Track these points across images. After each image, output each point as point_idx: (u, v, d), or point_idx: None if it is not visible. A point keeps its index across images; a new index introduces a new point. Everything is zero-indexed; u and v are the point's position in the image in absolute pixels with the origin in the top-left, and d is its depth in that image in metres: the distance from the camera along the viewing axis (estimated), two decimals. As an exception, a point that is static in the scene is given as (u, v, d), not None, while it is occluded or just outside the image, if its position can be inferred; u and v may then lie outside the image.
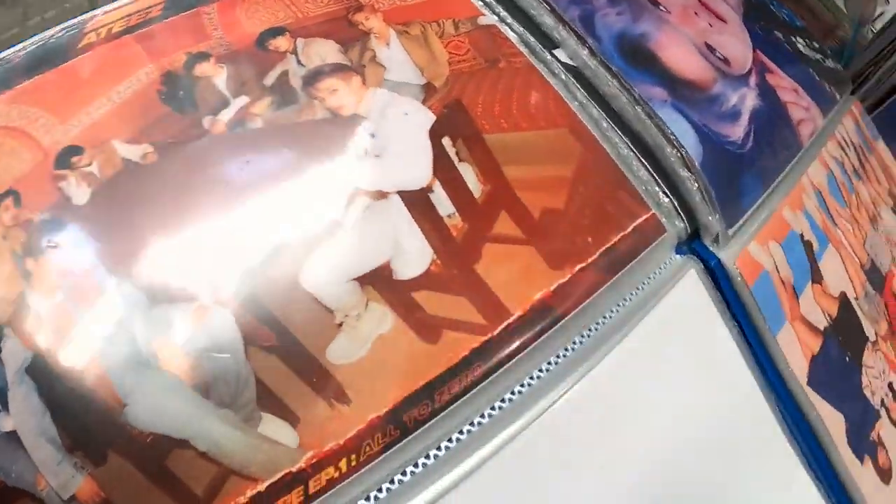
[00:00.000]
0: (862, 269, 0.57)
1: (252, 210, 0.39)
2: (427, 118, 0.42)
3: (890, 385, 0.53)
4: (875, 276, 0.58)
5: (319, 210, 0.39)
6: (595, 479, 0.36)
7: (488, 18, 0.48)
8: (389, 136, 0.41)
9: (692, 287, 0.42)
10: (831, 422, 0.46)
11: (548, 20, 0.49)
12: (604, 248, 0.38)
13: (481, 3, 0.50)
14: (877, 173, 0.67)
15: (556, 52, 0.49)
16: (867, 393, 0.50)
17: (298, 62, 0.46)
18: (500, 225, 0.38)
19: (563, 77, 0.47)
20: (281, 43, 0.47)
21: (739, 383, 0.43)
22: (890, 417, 0.51)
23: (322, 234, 0.38)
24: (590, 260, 0.38)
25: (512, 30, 0.49)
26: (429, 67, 0.45)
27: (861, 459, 0.47)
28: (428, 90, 0.43)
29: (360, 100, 0.44)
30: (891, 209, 0.65)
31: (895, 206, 0.66)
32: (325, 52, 0.47)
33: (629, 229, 0.40)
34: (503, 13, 0.49)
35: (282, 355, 0.35)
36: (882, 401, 0.51)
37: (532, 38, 0.48)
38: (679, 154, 0.45)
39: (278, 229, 0.38)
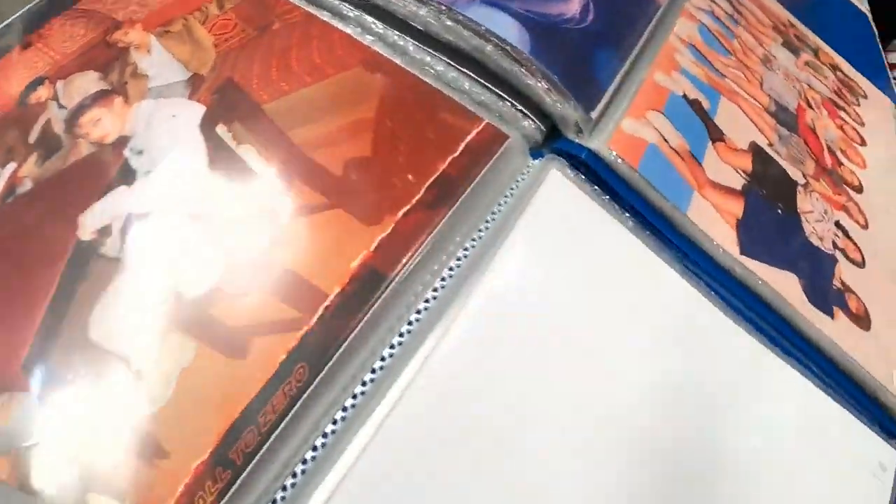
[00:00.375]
0: (767, 112, 0.47)
1: (32, 276, 0.30)
2: (196, 112, 0.32)
3: (837, 224, 0.43)
4: (785, 115, 0.49)
5: (93, 253, 0.30)
6: (504, 446, 0.27)
7: None
8: (158, 146, 0.32)
9: (561, 190, 0.31)
10: (782, 285, 0.37)
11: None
12: (431, 179, 0.28)
13: None
14: (756, 14, 0.57)
15: None
16: (814, 241, 0.40)
17: (60, 106, 0.38)
18: (297, 198, 0.28)
19: (354, 15, 0.38)
20: (41, 93, 0.38)
21: (658, 279, 0.33)
22: (848, 258, 0.41)
23: (99, 277, 0.29)
24: (415, 199, 0.27)
25: None
26: (193, 58, 0.35)
27: (830, 314, 0.37)
28: (195, 82, 0.34)
29: (124, 120, 0.35)
30: (781, 45, 0.55)
31: (785, 42, 0.56)
32: (84, 85, 0.38)
33: (459, 150, 0.30)
34: None
35: (90, 424, 0.27)
36: (834, 243, 0.41)
37: None
38: (502, 49, 0.35)
39: (61, 289, 0.30)
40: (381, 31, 0.35)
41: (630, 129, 0.36)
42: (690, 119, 0.39)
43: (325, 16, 0.36)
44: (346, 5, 0.37)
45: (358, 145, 0.29)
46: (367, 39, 0.35)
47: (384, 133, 0.29)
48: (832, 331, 0.35)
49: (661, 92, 0.39)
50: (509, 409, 0.27)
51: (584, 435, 0.28)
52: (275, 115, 0.30)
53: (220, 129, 0.31)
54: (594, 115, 0.35)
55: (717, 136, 0.40)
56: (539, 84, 0.34)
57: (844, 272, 0.39)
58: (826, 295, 0.36)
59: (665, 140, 0.36)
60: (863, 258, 0.40)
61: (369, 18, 0.36)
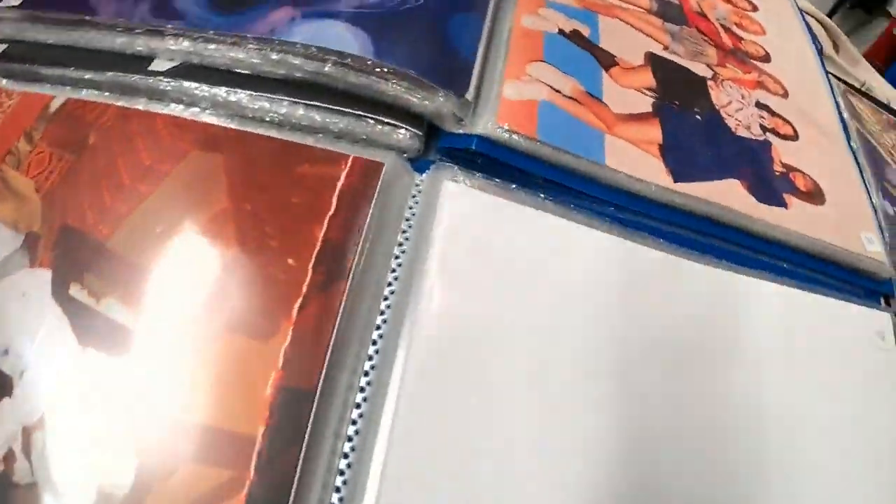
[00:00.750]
0: (651, 13, 0.41)
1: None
2: (43, 281, 0.24)
3: (758, 104, 0.37)
4: (669, 10, 0.42)
5: (8, 485, 0.22)
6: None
7: (58, 98, 0.31)
8: (21, 338, 0.23)
9: (462, 202, 0.24)
10: (727, 196, 0.31)
11: (120, 40, 0.33)
12: (314, 255, 0.22)
13: (49, 87, 0.30)
14: None
15: (152, 66, 0.32)
16: (742, 133, 0.35)
17: None
18: (179, 338, 0.21)
19: (172, 87, 0.30)
20: None
21: (600, 250, 0.28)
22: (780, 135, 0.36)
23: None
24: (305, 287, 0.21)
25: (86, 84, 0.30)
26: (20, 216, 0.26)
27: (782, 204, 0.33)
28: (30, 244, 0.25)
29: (-24, 318, 0.28)
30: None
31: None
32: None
33: (334, 205, 0.24)
34: (70, 73, 0.32)
35: None
36: (762, 126, 0.36)
37: (115, 75, 0.31)
38: (343, 64, 0.29)
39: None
40: (206, 93, 0.28)
41: (514, 93, 0.30)
42: (575, 55, 0.33)
43: (140, 102, 0.28)
44: (163, 79, 0.30)
45: (222, 246, 0.23)
46: (194, 112, 0.27)
47: (245, 219, 0.23)
48: (790, 221, 0.31)
49: (534, 37, 0.33)
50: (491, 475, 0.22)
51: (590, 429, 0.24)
52: (123, 249, 0.24)
53: (74, 291, 0.24)
54: (469, 96, 0.29)
55: (608, 61, 0.34)
56: (397, 86, 0.27)
57: (782, 152, 0.34)
58: (772, 186, 0.32)
59: (556, 91, 0.31)
60: (794, 130, 0.35)
61: (191, 84, 0.29)
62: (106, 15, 0.30)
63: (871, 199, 0.33)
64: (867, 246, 0.31)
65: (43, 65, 0.31)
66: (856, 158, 0.35)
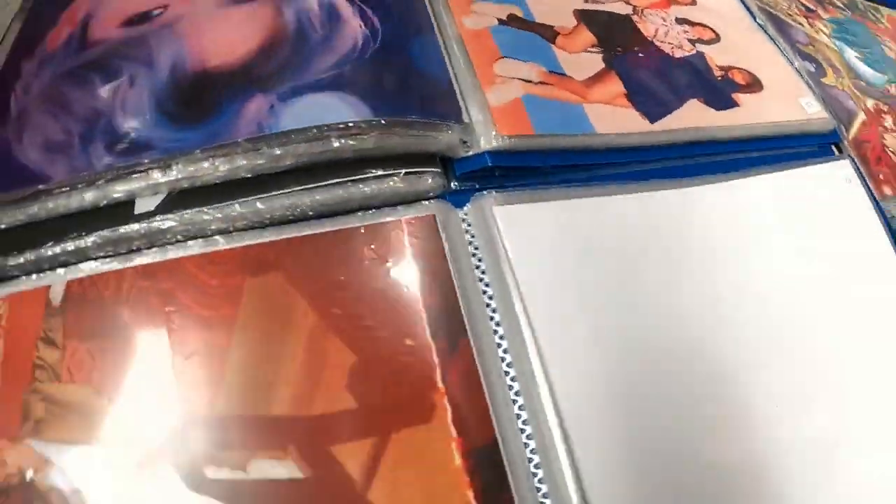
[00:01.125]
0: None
1: None
2: (170, 482, 0.22)
3: (678, 20, 0.41)
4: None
5: None
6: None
7: (56, 286, 0.25)
8: None
9: (516, 218, 0.25)
10: (692, 118, 0.33)
11: (89, 195, 0.28)
12: (427, 328, 0.22)
13: (34, 278, 0.26)
14: None
15: (138, 209, 0.28)
16: (678, 53, 0.38)
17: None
18: (341, 467, 0.22)
19: (175, 222, 0.27)
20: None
21: (625, 210, 0.29)
22: (706, 41, 0.40)
23: None
24: (436, 357, 0.21)
25: (75, 257, 0.26)
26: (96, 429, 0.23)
27: (733, 104, 0.35)
28: None
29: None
30: None
31: None
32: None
33: (417, 273, 0.25)
34: (47, 253, 0.26)
35: None
36: (689, 40, 0.40)
37: (100, 235, 0.26)
38: (348, 132, 0.27)
39: None
40: (217, 214, 0.26)
41: (497, 99, 0.30)
42: (523, 39, 0.34)
43: (151, 254, 0.26)
44: (157, 217, 0.27)
45: (337, 359, 0.22)
46: (214, 241, 0.25)
47: (343, 325, 0.23)
48: (745, 116, 0.34)
49: (483, 36, 0.33)
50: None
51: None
52: (238, 409, 0.22)
53: (213, 472, 0.21)
54: (465, 118, 0.29)
55: (550, 34, 0.35)
56: (408, 135, 0.27)
57: (714, 57, 0.37)
58: (720, 92, 0.35)
59: (528, 81, 0.31)
60: (714, 31, 0.39)
61: (191, 213, 0.27)
62: (62, 175, 0.26)
63: (793, 65, 0.38)
64: (808, 110, 0.36)
65: (10, 255, 0.27)
66: (767, 34, 0.39)
